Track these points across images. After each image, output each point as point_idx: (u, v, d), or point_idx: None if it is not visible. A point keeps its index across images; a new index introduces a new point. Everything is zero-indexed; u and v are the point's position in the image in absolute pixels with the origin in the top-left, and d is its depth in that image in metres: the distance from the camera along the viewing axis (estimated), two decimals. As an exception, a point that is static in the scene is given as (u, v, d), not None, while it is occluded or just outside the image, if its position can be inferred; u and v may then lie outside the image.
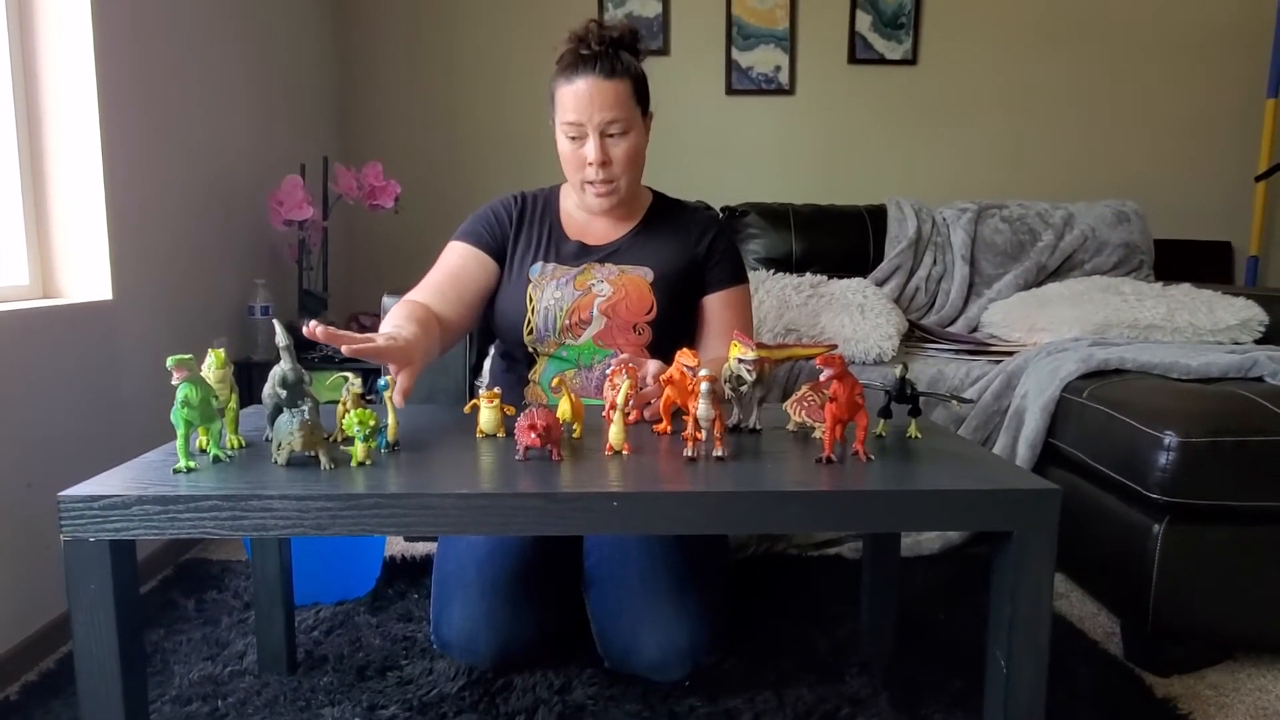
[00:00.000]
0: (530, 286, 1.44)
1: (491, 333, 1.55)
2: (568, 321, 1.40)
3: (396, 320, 1.25)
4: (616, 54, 1.36)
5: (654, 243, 1.48)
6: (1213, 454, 1.35)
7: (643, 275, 1.44)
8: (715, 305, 1.50)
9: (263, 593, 1.34)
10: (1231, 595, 1.39)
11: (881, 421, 1.17)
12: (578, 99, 1.35)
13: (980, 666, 1.37)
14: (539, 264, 1.46)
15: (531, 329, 1.42)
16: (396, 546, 1.96)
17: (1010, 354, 2.05)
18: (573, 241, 1.48)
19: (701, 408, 0.99)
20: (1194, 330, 2.01)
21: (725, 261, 1.51)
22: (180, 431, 0.94)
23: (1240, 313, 2.02)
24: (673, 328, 1.44)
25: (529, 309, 1.42)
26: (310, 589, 1.63)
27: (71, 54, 1.65)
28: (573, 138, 1.38)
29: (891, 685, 1.34)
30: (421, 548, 1.95)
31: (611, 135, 1.37)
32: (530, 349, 1.44)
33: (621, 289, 1.42)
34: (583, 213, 1.51)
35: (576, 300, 1.41)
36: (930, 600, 1.67)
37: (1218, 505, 1.37)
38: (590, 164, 1.38)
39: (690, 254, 1.49)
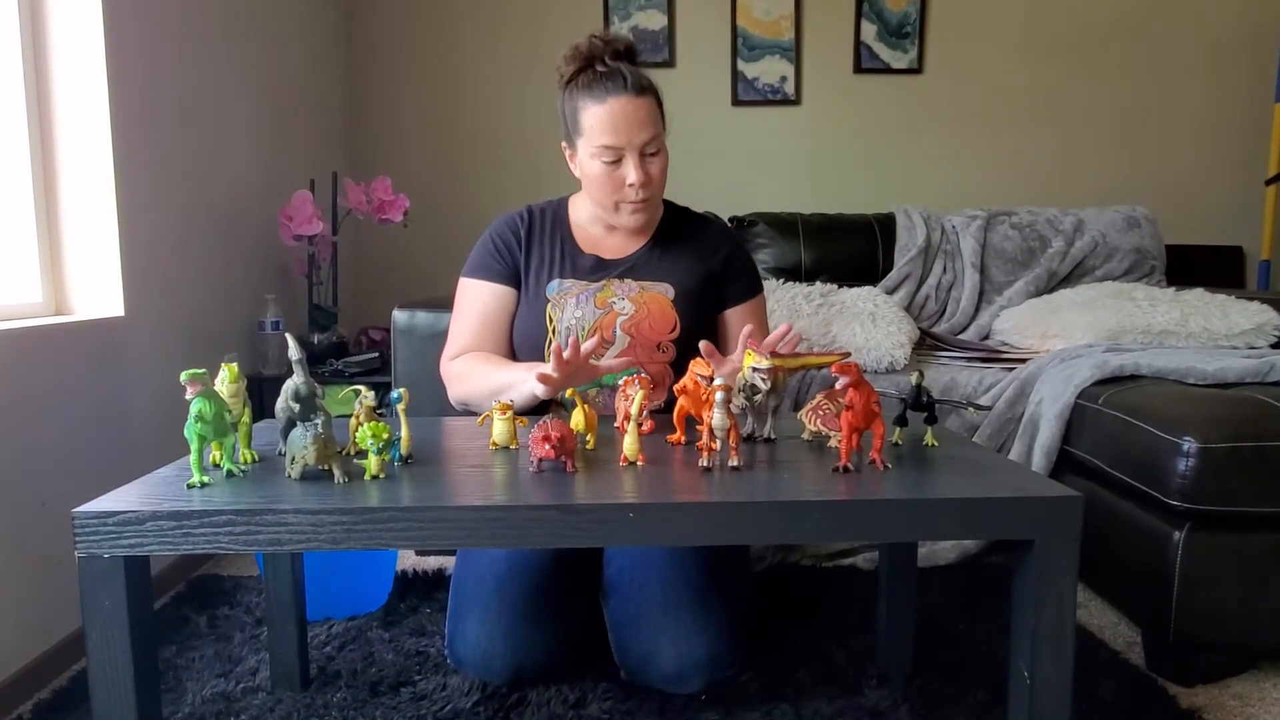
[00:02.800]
0: (549, 305, 1.42)
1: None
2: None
3: (509, 363, 1.39)
4: (634, 67, 1.35)
5: (671, 256, 1.47)
6: (1232, 460, 1.33)
7: (664, 292, 1.42)
8: (734, 320, 1.50)
9: (275, 608, 1.33)
10: (1255, 603, 1.37)
11: (898, 430, 1.16)
12: (614, 120, 1.31)
13: (1001, 677, 1.35)
14: (555, 281, 1.44)
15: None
16: (408, 561, 1.95)
17: (1023, 361, 2.04)
18: (588, 256, 1.46)
19: (717, 417, 0.98)
20: (1208, 335, 1.99)
21: (744, 275, 1.51)
22: (194, 446, 0.94)
23: (1255, 317, 2.01)
24: (696, 344, 1.41)
25: (549, 329, 1.41)
26: (322, 604, 1.62)
27: (84, 71, 1.66)
28: (608, 161, 1.34)
29: (911, 697, 1.32)
30: (433, 561, 1.94)
31: (648, 154, 1.35)
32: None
33: (644, 307, 1.40)
34: (597, 226, 1.49)
35: (598, 319, 1.39)
36: (948, 610, 1.66)
37: (1238, 512, 1.35)
38: (631, 185, 1.35)
39: (708, 267, 1.47)
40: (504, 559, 1.32)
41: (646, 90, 1.34)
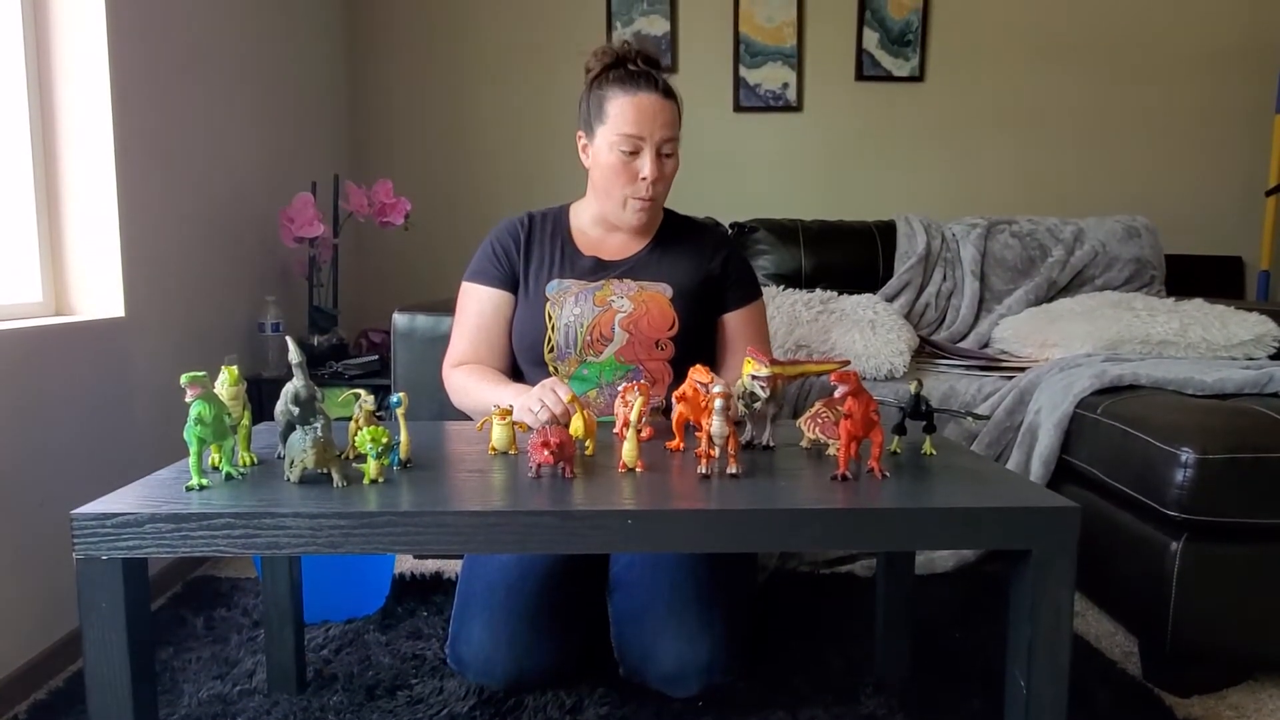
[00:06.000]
0: (548, 304, 1.43)
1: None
2: (589, 338, 1.40)
3: (505, 383, 1.39)
4: (664, 75, 1.40)
5: (670, 259, 1.49)
6: (1230, 471, 1.33)
7: (662, 291, 1.44)
8: (735, 324, 1.51)
9: (272, 611, 1.33)
10: (1252, 614, 1.37)
11: (896, 438, 1.17)
12: (640, 113, 1.36)
13: (997, 686, 1.35)
14: (555, 281, 1.46)
15: (552, 346, 1.41)
16: (406, 564, 1.95)
17: (1022, 370, 2.04)
18: (588, 257, 1.48)
19: (716, 424, 0.98)
20: (1207, 346, 1.99)
21: (741, 280, 1.53)
22: (193, 449, 0.94)
23: (1254, 328, 2.01)
24: (695, 343, 1.44)
25: (549, 326, 1.42)
26: (320, 607, 1.62)
27: (86, 72, 1.66)
28: (626, 151, 1.37)
29: (908, 705, 1.32)
30: (431, 565, 1.94)
31: (664, 154, 1.40)
32: (551, 368, 1.43)
33: (643, 305, 1.42)
34: (597, 229, 1.51)
35: (597, 316, 1.41)
36: (945, 619, 1.66)
37: (1236, 523, 1.35)
38: (643, 179, 1.38)
39: (705, 270, 1.49)
40: (515, 564, 1.32)
41: (672, 96, 1.40)
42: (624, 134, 1.36)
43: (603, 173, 1.41)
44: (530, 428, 1.18)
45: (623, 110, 1.36)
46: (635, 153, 1.38)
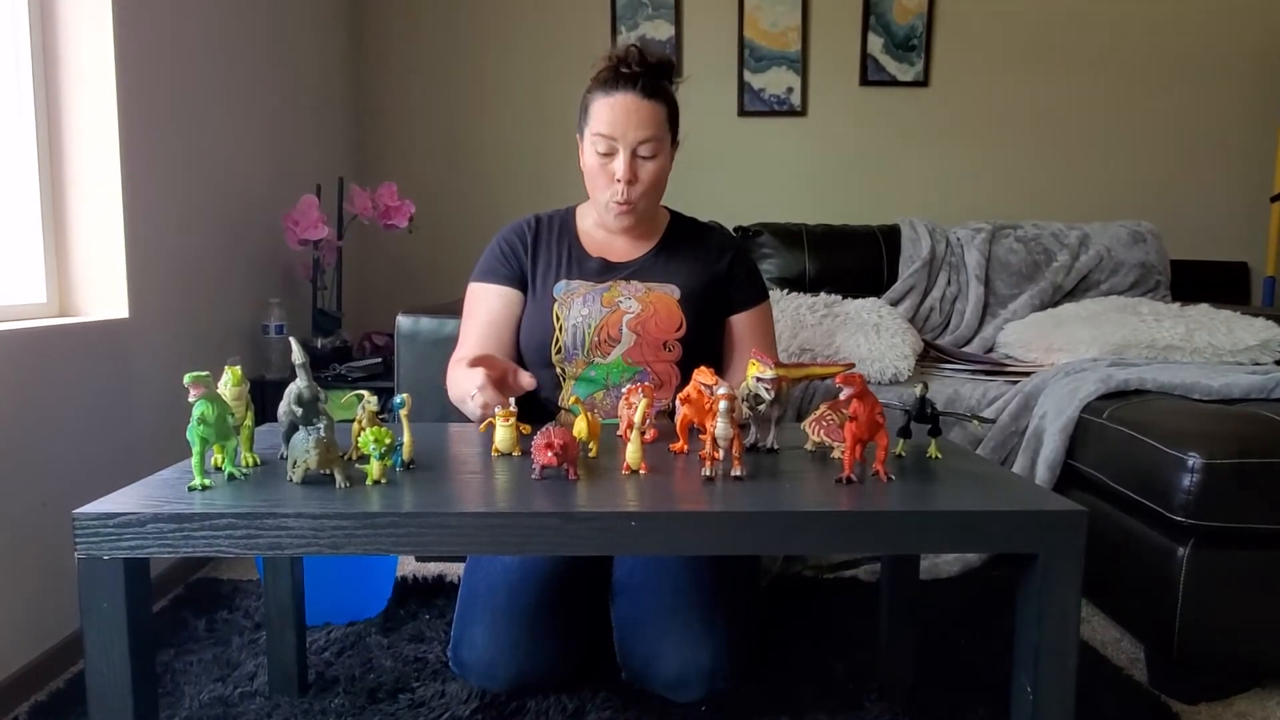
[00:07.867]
0: (556, 305, 1.43)
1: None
2: (596, 339, 1.40)
3: (471, 371, 1.22)
4: (656, 77, 1.37)
5: (676, 261, 1.48)
6: (1238, 476, 1.33)
7: (669, 293, 1.44)
8: (741, 326, 1.51)
9: (274, 613, 1.33)
10: (1259, 620, 1.36)
11: (901, 441, 1.16)
12: (614, 113, 1.35)
13: (1002, 692, 1.34)
14: (563, 282, 1.45)
15: (560, 347, 1.41)
16: (408, 566, 1.95)
17: (1027, 374, 2.03)
18: (595, 259, 1.48)
19: (720, 427, 0.98)
20: (1213, 351, 1.98)
21: (747, 282, 1.52)
22: (196, 449, 0.94)
23: (1260, 333, 2.00)
24: (702, 344, 1.44)
25: (556, 327, 1.42)
26: (322, 609, 1.61)
27: (93, 73, 1.66)
28: (602, 152, 1.37)
29: (912, 711, 1.31)
30: (433, 567, 1.93)
31: (642, 156, 1.38)
32: (558, 369, 1.43)
33: (650, 306, 1.42)
34: (602, 231, 1.50)
35: (605, 317, 1.40)
36: (950, 624, 1.65)
37: (1243, 528, 1.34)
38: (617, 180, 1.37)
39: (712, 272, 1.49)
40: (518, 567, 1.32)
41: (657, 96, 1.37)
42: (598, 134, 1.36)
43: (586, 173, 1.42)
44: (533, 430, 1.18)
45: (598, 111, 1.36)
46: (610, 154, 1.37)
